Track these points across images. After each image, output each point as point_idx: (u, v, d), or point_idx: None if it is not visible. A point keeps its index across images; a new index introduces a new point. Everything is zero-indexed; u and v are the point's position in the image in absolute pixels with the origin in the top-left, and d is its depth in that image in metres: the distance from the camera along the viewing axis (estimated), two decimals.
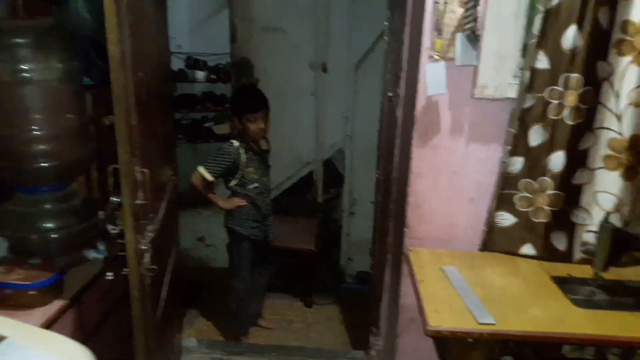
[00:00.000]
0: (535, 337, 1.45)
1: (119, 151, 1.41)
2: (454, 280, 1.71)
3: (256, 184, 2.72)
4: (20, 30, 1.69)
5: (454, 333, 1.44)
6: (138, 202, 1.51)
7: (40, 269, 1.57)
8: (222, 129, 4.49)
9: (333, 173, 3.85)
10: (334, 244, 3.84)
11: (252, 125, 2.63)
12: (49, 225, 1.74)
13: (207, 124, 4.66)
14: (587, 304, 1.58)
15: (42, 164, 1.72)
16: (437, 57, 1.84)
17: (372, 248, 2.88)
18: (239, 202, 2.69)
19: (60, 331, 1.51)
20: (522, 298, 1.63)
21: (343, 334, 3.09)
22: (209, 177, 2.59)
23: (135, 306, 1.52)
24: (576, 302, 1.59)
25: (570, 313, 1.54)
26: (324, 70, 3.65)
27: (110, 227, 1.47)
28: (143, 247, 1.53)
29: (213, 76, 4.61)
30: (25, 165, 1.70)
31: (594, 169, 1.82)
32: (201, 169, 2.59)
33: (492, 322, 1.46)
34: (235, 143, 2.63)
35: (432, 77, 1.85)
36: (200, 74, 4.67)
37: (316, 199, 3.86)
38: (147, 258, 1.57)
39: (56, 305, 1.54)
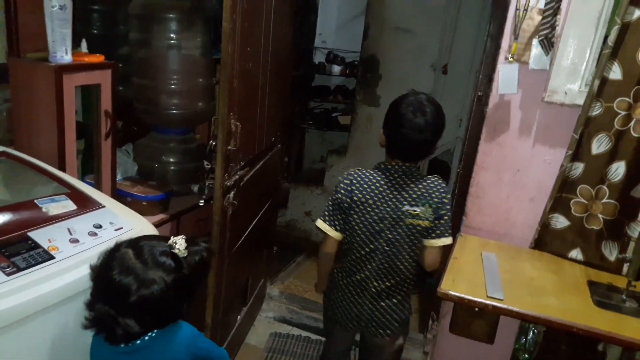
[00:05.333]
0: (537, 319, 1.55)
1: (218, 104, 1.83)
2: (486, 263, 1.85)
3: None
4: (172, 8, 2.20)
5: (462, 299, 1.61)
6: (230, 147, 1.92)
7: (154, 189, 2.07)
8: (346, 119, 4.88)
9: (439, 173, 3.98)
10: None
11: None
12: (169, 159, 2.26)
13: (334, 114, 5.09)
14: (609, 306, 1.63)
15: (173, 112, 2.23)
16: (511, 59, 1.97)
17: None
18: None
19: None
20: (545, 289, 1.72)
21: (414, 321, 3.26)
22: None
23: (214, 229, 1.94)
24: (598, 303, 1.64)
25: (587, 309, 1.61)
26: (445, 72, 3.80)
27: (205, 163, 1.90)
28: (228, 184, 1.94)
29: (347, 71, 5.03)
30: (161, 111, 2.22)
31: None
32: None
33: (501, 297, 1.60)
34: None
35: (505, 78, 2.00)
36: (336, 68, 5.11)
37: None
38: (231, 194, 1.98)
39: (160, 217, 2.03)
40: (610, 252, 1.91)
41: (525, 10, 1.90)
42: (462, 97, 3.76)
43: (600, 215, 1.90)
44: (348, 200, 1.71)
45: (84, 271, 1.16)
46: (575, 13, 1.85)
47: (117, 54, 2.30)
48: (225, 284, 2.15)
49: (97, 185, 1.94)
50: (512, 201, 2.12)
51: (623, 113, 1.80)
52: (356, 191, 1.70)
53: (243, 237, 2.32)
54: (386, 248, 1.71)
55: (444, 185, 1.74)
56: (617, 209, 1.87)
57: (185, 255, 1.16)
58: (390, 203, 1.68)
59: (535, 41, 1.91)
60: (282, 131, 2.87)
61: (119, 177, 2.11)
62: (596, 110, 1.84)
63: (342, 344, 2.02)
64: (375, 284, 1.76)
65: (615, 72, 1.79)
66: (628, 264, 1.71)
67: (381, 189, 1.69)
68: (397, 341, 1.89)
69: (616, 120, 1.82)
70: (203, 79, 2.32)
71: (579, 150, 1.90)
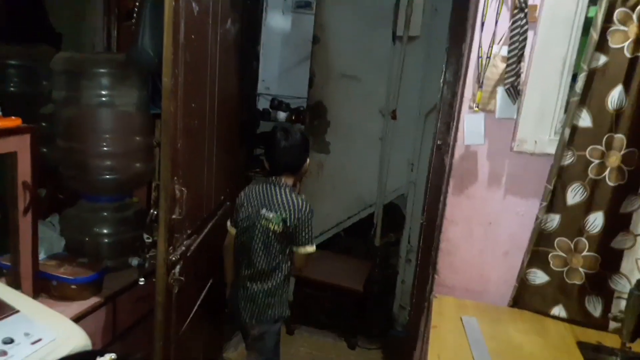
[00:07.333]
0: None
1: (161, 169, 1.59)
2: (469, 331, 1.68)
3: None
4: (102, 62, 1.96)
5: None
6: (174, 216, 1.67)
7: (85, 268, 1.77)
8: None
9: (394, 218, 3.87)
10: (389, 290, 3.81)
11: None
12: (102, 231, 1.97)
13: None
14: None
15: (106, 177, 1.96)
16: (476, 108, 1.87)
17: (411, 294, 2.85)
18: None
19: (91, 326, 1.68)
20: (536, 357, 1.56)
21: None
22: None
23: (158, 313, 1.66)
24: None
25: None
26: (394, 117, 3.73)
27: (146, 236, 1.64)
28: (173, 258, 1.68)
29: (293, 117, 4.90)
30: (92, 177, 1.95)
31: (637, 235, 1.74)
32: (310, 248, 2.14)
33: None
34: None
35: (470, 127, 1.88)
36: (281, 115, 4.96)
37: (373, 241, 3.87)
38: (177, 269, 1.72)
39: (92, 300, 1.73)
40: (595, 308, 1.79)
41: (488, 57, 1.81)
42: (413, 142, 3.69)
43: (581, 269, 1.79)
44: (237, 203, 2.21)
45: None
46: (539, 60, 1.77)
47: (39, 113, 2.02)
48: None
49: (14, 268, 1.63)
50: (485, 256, 1.98)
51: (596, 161, 1.72)
52: (242, 196, 2.19)
53: (192, 313, 2.04)
54: (248, 242, 2.11)
55: (302, 205, 2.07)
56: (599, 262, 1.76)
57: None
58: (254, 204, 2.12)
59: (500, 89, 1.81)
60: (231, 187, 2.64)
61: (42, 255, 1.81)
62: (568, 159, 1.75)
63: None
64: (244, 272, 2.15)
65: (585, 120, 1.72)
66: (619, 323, 1.58)
67: (254, 194, 2.14)
68: (253, 330, 2.19)
69: (590, 168, 1.73)
70: (140, 138, 2.08)
71: (553, 201, 1.79)
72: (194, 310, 2.08)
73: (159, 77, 1.60)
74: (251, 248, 2.09)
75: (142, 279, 1.75)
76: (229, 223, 2.26)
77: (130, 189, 2.12)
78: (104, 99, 1.96)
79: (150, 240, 1.63)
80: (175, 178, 1.66)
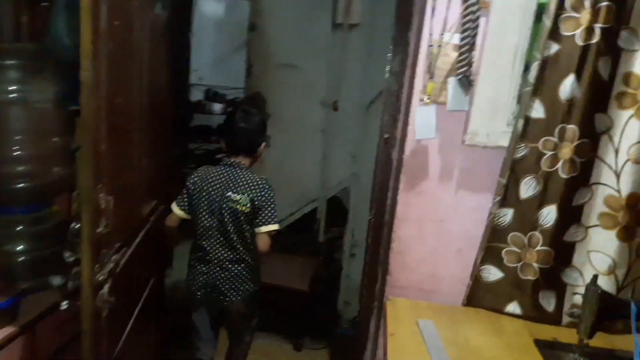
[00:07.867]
0: None
1: (80, 176, 1.39)
2: (427, 336, 1.60)
3: None
4: (11, 53, 1.71)
5: None
6: (100, 230, 1.47)
7: None
8: None
9: (337, 212, 3.78)
10: (334, 286, 3.72)
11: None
12: (16, 247, 1.71)
13: (219, 155, 4.68)
14: None
15: (19, 185, 1.72)
16: (427, 100, 1.78)
17: (360, 293, 2.77)
18: None
19: None
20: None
21: None
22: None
23: (85, 341, 1.46)
24: None
25: None
26: (335, 108, 3.62)
27: (67, 254, 1.43)
28: (100, 278, 1.48)
29: (229, 109, 4.67)
30: (2, 185, 1.70)
31: (588, 227, 1.72)
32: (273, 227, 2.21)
33: None
34: None
35: (421, 121, 1.79)
36: (217, 106, 4.73)
37: (317, 237, 3.77)
38: (105, 289, 1.52)
39: (5, 332, 1.49)
40: (549, 302, 1.76)
41: (439, 46, 1.73)
42: (356, 135, 3.59)
43: (535, 264, 1.75)
44: (191, 187, 2.21)
45: None
46: (491, 48, 1.70)
47: None
48: None
49: None
50: (438, 254, 1.91)
51: (549, 153, 1.68)
52: (198, 181, 2.20)
53: (126, 332, 1.85)
54: (217, 225, 2.16)
55: (265, 184, 2.19)
56: (552, 256, 1.73)
57: None
58: (216, 187, 2.16)
59: (452, 80, 1.73)
60: (165, 188, 2.44)
61: None
62: (521, 152, 1.70)
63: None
64: (222, 254, 2.19)
65: (538, 111, 1.67)
66: (576, 319, 1.56)
67: (214, 178, 2.18)
68: (240, 307, 2.29)
69: (543, 161, 1.69)
70: (59, 138, 1.84)
71: (506, 196, 1.74)
72: (129, 328, 1.88)
73: (79, 69, 1.39)
74: (226, 232, 2.15)
75: (65, 302, 1.53)
76: (175, 204, 2.26)
77: (48, 197, 1.87)
78: (13, 94, 1.71)
79: (72, 259, 1.42)
80: (100, 186, 1.46)
